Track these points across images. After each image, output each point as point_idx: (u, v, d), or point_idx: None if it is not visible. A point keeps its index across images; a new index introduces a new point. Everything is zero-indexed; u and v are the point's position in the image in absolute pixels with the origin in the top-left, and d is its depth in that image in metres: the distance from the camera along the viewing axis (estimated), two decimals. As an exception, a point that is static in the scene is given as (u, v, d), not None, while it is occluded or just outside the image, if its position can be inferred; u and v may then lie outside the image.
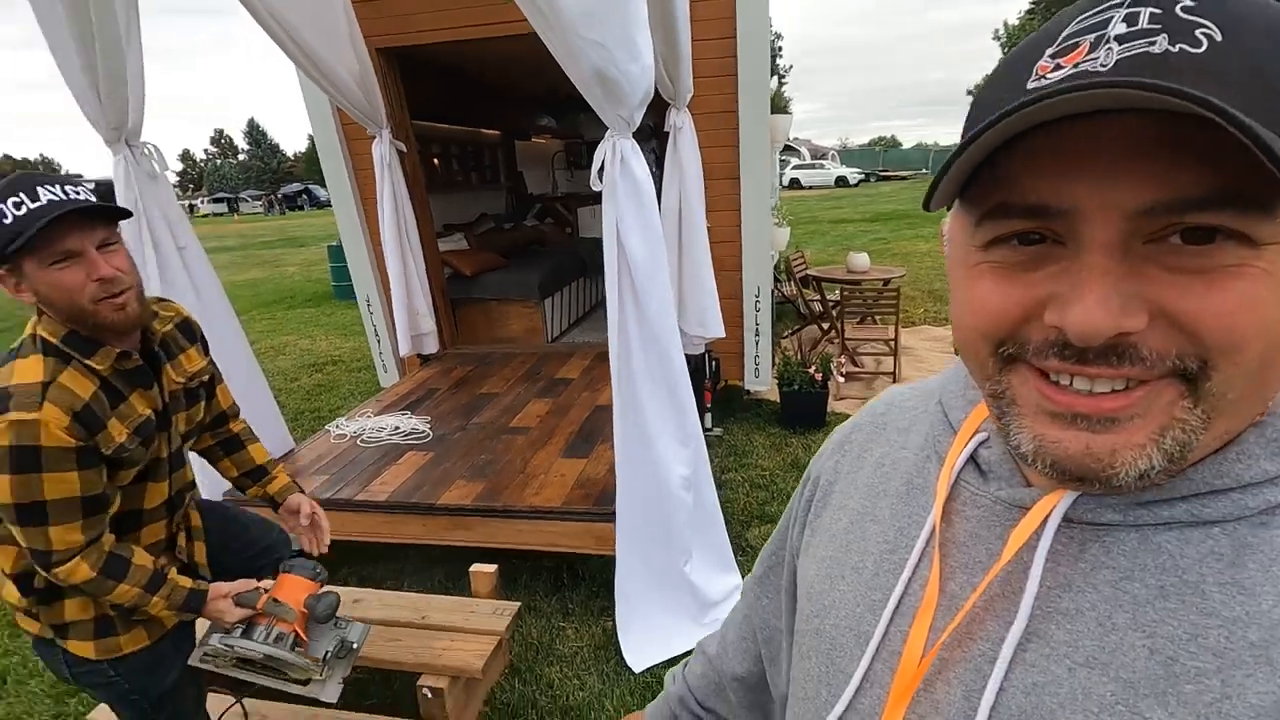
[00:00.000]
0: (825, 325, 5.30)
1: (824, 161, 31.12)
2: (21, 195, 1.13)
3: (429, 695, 1.97)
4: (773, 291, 5.13)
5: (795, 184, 28.10)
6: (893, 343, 4.70)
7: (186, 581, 1.37)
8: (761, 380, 4.30)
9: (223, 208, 41.20)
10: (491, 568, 2.38)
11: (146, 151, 2.52)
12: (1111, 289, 0.32)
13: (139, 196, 2.49)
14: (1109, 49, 0.31)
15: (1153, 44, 0.30)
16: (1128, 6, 0.32)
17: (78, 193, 1.18)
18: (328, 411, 4.90)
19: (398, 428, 3.24)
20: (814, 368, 4.03)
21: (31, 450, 1.13)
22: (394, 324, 4.18)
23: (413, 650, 2.05)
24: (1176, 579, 0.36)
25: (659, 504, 2.29)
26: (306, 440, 3.33)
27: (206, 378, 1.51)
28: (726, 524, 2.63)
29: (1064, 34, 0.33)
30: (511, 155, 7.57)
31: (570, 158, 8.41)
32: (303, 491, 1.69)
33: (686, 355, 3.69)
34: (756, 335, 4.19)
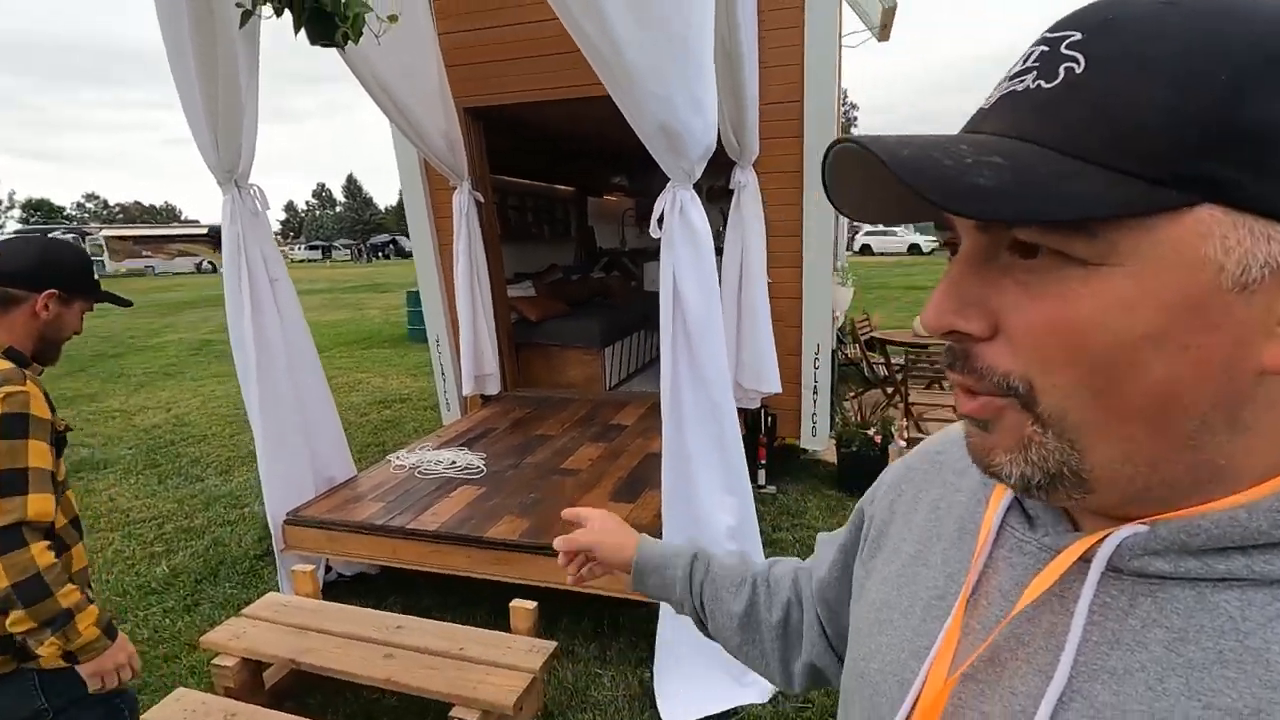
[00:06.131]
0: (889, 390, 5.17)
1: (897, 230, 30.82)
2: (92, 261, 1.55)
3: (460, 728, 1.96)
4: (834, 352, 5.06)
5: (867, 250, 27.92)
6: (960, 409, 4.53)
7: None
8: (819, 439, 4.22)
9: (317, 254, 44.23)
10: (532, 604, 2.38)
11: (252, 192, 2.78)
12: (950, 290, 0.36)
13: (241, 231, 2.74)
14: (1000, 87, 0.35)
15: (1021, 82, 0.33)
16: (1037, 44, 0.34)
17: None
18: (392, 446, 5.07)
19: (454, 462, 3.33)
20: (874, 430, 3.92)
21: (21, 417, 1.22)
22: (460, 364, 4.35)
23: (448, 680, 2.06)
24: (1237, 644, 0.33)
25: (702, 553, 2.26)
26: (367, 469, 3.46)
27: None
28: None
29: (1009, 70, 0.36)
30: (584, 210, 7.90)
31: (640, 214, 8.71)
32: None
33: (741, 409, 3.69)
34: (815, 393, 4.13)
